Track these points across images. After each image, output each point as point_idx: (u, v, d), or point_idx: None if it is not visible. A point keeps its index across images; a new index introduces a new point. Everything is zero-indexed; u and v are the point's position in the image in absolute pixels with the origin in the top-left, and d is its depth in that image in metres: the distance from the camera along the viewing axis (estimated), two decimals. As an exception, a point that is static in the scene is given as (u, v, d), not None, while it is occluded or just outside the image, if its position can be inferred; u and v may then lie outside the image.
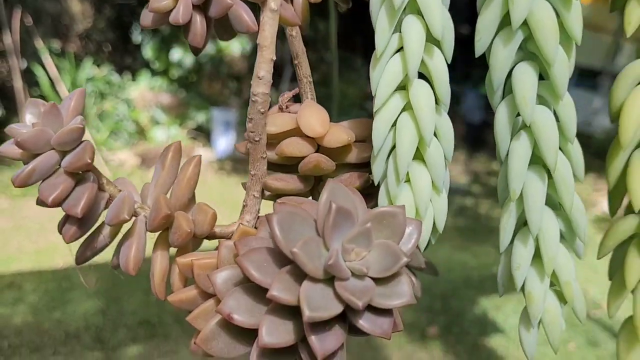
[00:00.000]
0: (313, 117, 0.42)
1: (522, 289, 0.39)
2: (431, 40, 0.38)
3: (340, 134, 0.42)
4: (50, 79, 4.33)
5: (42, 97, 4.43)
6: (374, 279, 0.33)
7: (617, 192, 0.42)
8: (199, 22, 0.38)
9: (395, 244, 0.33)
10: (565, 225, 0.39)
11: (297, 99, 0.47)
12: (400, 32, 0.38)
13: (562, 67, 0.36)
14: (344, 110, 4.74)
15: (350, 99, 4.79)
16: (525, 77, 0.36)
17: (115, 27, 4.98)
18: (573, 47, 0.37)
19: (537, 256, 0.39)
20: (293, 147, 0.42)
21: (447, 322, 2.95)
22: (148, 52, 4.85)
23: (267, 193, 0.45)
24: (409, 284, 0.33)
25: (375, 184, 0.41)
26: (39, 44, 4.29)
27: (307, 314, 0.32)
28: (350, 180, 0.43)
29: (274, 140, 0.43)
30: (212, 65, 4.84)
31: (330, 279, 0.33)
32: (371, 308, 0.34)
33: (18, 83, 4.13)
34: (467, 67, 5.38)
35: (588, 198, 4.36)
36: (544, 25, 0.35)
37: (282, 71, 4.74)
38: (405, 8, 0.37)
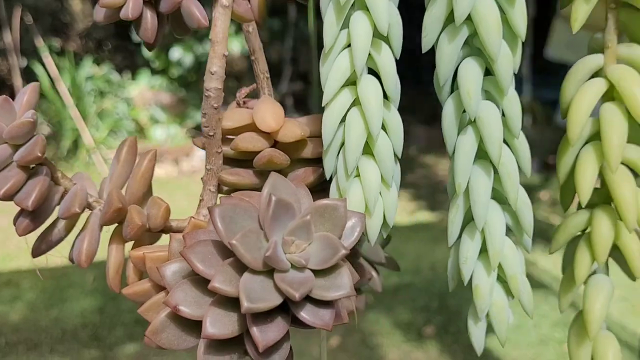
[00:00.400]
0: (268, 112, 0.43)
1: (470, 282, 0.40)
2: (379, 36, 0.38)
3: (294, 128, 0.42)
4: (50, 77, 4.34)
5: (42, 95, 4.45)
6: (314, 271, 0.34)
7: (568, 188, 0.42)
8: (149, 17, 0.38)
9: (335, 236, 0.34)
10: (512, 219, 0.40)
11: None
12: (348, 28, 0.38)
13: (506, 62, 0.36)
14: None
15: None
16: (470, 73, 0.37)
17: (115, 25, 4.99)
18: (518, 43, 0.37)
19: (484, 250, 0.39)
20: (247, 142, 0.42)
21: (443, 321, 2.95)
22: (148, 51, 4.86)
23: (225, 188, 0.45)
24: (349, 277, 0.34)
25: (327, 178, 0.41)
26: (39, 42, 4.30)
27: (245, 305, 0.32)
28: (305, 175, 0.43)
29: (230, 135, 0.44)
30: (212, 64, 4.83)
31: (270, 270, 0.34)
32: (312, 300, 0.34)
33: (18, 81, 4.15)
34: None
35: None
36: (487, 21, 0.35)
37: (281, 71, 4.75)
38: (354, 4, 0.38)
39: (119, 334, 2.59)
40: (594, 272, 0.43)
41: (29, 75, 4.36)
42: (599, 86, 0.40)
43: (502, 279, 0.40)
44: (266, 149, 0.42)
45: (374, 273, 0.51)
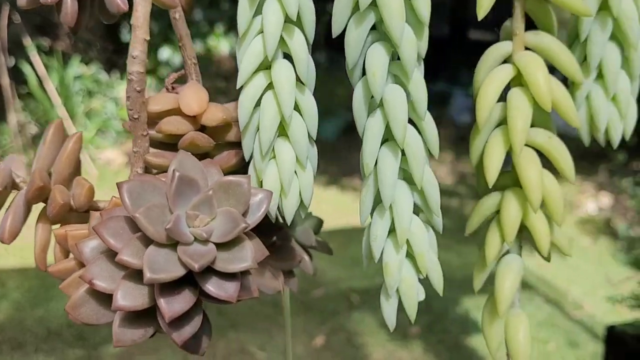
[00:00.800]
0: (192, 96, 0.44)
1: (381, 260, 0.41)
2: (292, 21, 0.39)
3: (216, 112, 0.44)
4: (38, 77, 4.34)
5: (30, 94, 4.45)
6: (217, 244, 0.35)
7: (481, 172, 0.44)
8: (69, 2, 0.39)
9: (239, 211, 0.35)
10: (421, 199, 0.41)
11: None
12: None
13: (410, 47, 0.38)
14: (332, 110, 4.76)
15: (339, 99, 4.81)
16: (376, 57, 0.38)
17: (103, 25, 4.99)
18: (424, 28, 0.39)
19: (394, 229, 0.40)
20: (171, 125, 0.44)
21: (429, 321, 2.96)
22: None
23: (154, 171, 0.46)
24: (252, 250, 0.35)
25: (247, 159, 0.42)
26: (27, 41, 4.30)
27: (147, 275, 0.33)
28: (228, 158, 0.45)
29: (157, 119, 0.45)
30: (201, 64, 4.84)
31: (175, 243, 0.35)
32: (217, 273, 0.35)
33: (5, 81, 4.14)
34: (456, 68, 5.38)
35: (573, 200, 4.37)
36: (390, 6, 0.37)
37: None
38: (267, -10, 0.39)
39: (103, 334, 2.59)
40: (507, 252, 0.45)
41: (16, 75, 4.35)
42: (506, 72, 0.41)
43: (412, 257, 0.41)
44: (190, 132, 0.44)
45: (305, 256, 0.52)
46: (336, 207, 4.10)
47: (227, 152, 0.45)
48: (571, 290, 3.31)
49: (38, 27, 4.63)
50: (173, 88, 0.47)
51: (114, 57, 4.87)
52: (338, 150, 4.75)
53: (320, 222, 0.55)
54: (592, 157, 4.76)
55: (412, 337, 2.83)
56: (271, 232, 0.51)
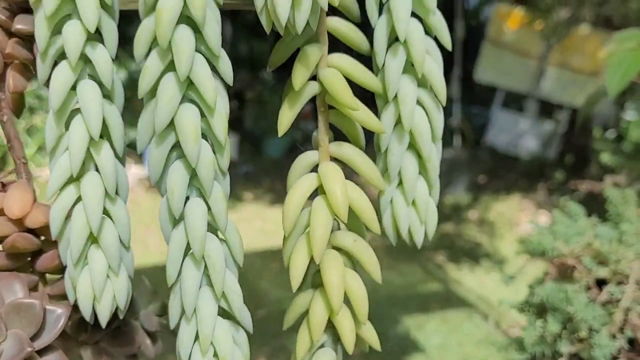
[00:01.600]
0: (15, 198, 0.45)
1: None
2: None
3: (38, 216, 0.45)
4: (-25, 93, 4.24)
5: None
6: (6, 366, 0.37)
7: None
8: None
9: (28, 333, 0.37)
10: (226, 305, 0.43)
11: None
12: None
13: (207, 165, 0.40)
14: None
15: (285, 118, 4.83)
16: (175, 175, 0.40)
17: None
18: (223, 147, 0.41)
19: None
20: (-8, 227, 0.45)
21: (369, 341, 3.00)
22: None
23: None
24: (42, 370, 0.37)
25: (64, 265, 0.44)
26: (-36, 58, 4.20)
27: None
28: (53, 258, 0.46)
29: (-16, 219, 0.46)
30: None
31: (-39, 367, 0.36)
32: (8, 392, 0.37)
33: (-60, 98, 4.03)
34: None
35: (512, 217, 4.49)
36: (185, 130, 0.39)
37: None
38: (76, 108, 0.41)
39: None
40: (322, 346, 0.47)
41: (-47, 92, 4.24)
42: (311, 181, 0.44)
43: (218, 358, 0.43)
44: (13, 234, 0.45)
45: (147, 340, 0.54)
46: (281, 226, 4.11)
47: (52, 252, 0.46)
48: (512, 310, 3.38)
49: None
50: (4, 186, 0.48)
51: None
52: (283, 168, 4.77)
53: (164, 306, 0.56)
54: (531, 176, 4.90)
55: (353, 358, 2.85)
56: (112, 318, 0.52)
